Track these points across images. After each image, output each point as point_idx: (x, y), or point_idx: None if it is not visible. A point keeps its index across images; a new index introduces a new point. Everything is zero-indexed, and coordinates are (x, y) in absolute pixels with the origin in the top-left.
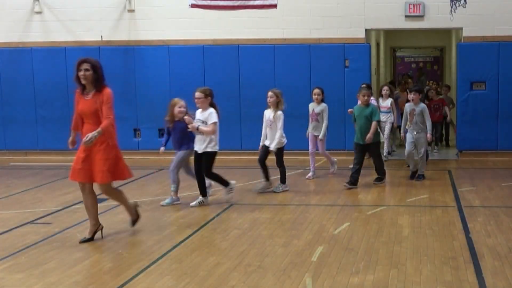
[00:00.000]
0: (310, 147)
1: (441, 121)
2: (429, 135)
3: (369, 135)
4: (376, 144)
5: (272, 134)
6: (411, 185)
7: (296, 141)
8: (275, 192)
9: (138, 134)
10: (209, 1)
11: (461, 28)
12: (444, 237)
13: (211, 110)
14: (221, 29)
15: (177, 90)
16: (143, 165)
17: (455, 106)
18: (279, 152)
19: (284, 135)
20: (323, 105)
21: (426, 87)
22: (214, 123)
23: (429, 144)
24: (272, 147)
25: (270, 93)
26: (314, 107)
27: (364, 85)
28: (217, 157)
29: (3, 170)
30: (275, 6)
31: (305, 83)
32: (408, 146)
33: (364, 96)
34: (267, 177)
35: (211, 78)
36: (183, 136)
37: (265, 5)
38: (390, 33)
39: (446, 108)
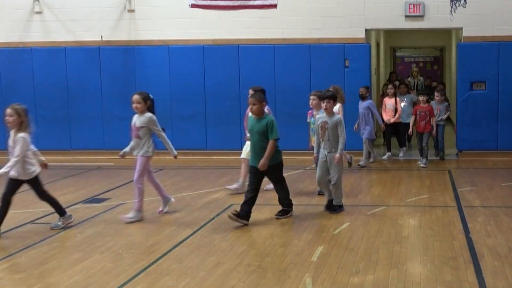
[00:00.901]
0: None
1: (429, 131)
2: (337, 155)
3: (262, 161)
4: (276, 166)
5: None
6: (411, 185)
7: (295, 141)
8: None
9: None
10: (209, 1)
11: (461, 28)
12: (444, 237)
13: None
14: (221, 29)
15: (177, 90)
16: None
17: (448, 112)
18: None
19: (31, 166)
20: (147, 116)
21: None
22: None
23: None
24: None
25: (8, 110)
26: (135, 120)
27: (252, 91)
28: (216, 158)
29: None
30: (275, 6)
31: (305, 83)
32: (319, 170)
33: (250, 104)
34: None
35: (211, 78)
36: None
37: (265, 5)
38: (390, 33)
39: (433, 119)
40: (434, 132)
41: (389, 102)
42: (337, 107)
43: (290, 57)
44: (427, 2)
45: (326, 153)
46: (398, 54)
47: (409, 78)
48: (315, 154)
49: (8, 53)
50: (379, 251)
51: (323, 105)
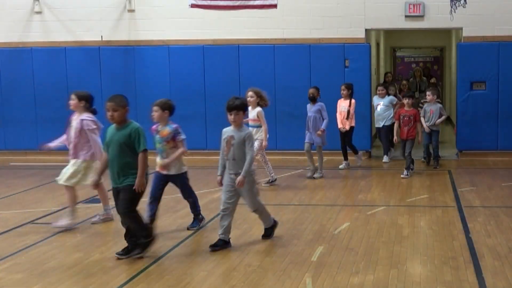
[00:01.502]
0: None
1: (413, 138)
2: (240, 178)
3: (138, 181)
4: (127, 191)
5: None
6: (411, 185)
7: (295, 141)
8: None
9: None
10: (209, 1)
11: (461, 28)
12: (444, 237)
13: None
14: (221, 29)
15: (177, 90)
16: None
17: (443, 117)
18: None
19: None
20: None
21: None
22: None
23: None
24: None
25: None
26: None
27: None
28: (216, 158)
29: (3, 170)
30: (275, 6)
31: (305, 83)
32: (222, 196)
33: (108, 111)
34: None
35: (211, 78)
36: None
37: (265, 5)
38: (390, 33)
39: (419, 125)
40: (419, 139)
41: (342, 104)
42: (255, 112)
43: (290, 57)
44: (427, 2)
45: (232, 176)
46: (398, 54)
47: (411, 79)
48: (218, 177)
49: (8, 53)
50: (379, 251)
51: (231, 117)
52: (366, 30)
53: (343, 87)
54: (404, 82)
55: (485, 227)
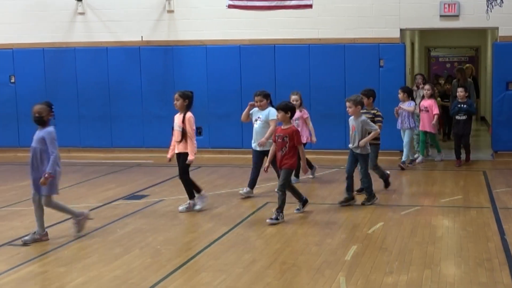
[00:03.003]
0: None
1: (288, 167)
2: None
3: None
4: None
5: None
6: (445, 186)
7: (329, 140)
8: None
9: None
10: (246, 2)
11: (497, 28)
12: (478, 239)
13: None
14: (257, 29)
15: (214, 89)
16: None
17: (371, 134)
18: None
19: None
20: None
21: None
22: None
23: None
24: None
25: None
26: None
27: None
28: (251, 156)
29: None
30: (310, 6)
31: (339, 83)
32: None
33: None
34: None
35: (247, 78)
36: None
37: (300, 5)
38: (425, 33)
39: (301, 149)
40: (303, 168)
41: (175, 121)
42: None
43: (325, 57)
44: (463, 2)
45: None
46: (433, 54)
47: (454, 81)
48: None
49: (53, 53)
50: (413, 252)
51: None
52: (401, 30)
53: (176, 95)
54: (448, 86)
55: None
